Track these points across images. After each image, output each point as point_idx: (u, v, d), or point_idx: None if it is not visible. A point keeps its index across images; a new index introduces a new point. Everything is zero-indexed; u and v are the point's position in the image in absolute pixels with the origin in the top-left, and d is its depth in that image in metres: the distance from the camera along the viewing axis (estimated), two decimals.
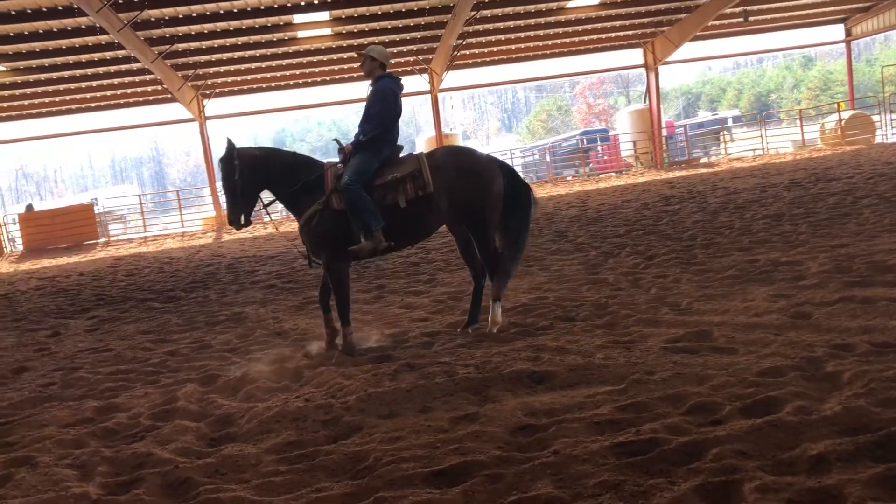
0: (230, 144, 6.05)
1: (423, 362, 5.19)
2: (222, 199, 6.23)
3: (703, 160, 30.72)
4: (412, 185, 5.90)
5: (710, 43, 31.43)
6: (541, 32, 26.76)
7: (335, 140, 6.36)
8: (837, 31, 31.84)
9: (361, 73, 6.43)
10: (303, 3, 20.53)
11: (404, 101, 6.34)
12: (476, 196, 5.99)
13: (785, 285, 6.34)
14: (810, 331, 4.95)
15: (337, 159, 6.17)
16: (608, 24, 27.06)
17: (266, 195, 6.28)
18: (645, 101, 31.86)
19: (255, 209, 6.27)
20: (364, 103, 6.32)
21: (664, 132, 31.80)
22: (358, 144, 6.04)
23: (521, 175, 6.56)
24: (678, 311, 6.00)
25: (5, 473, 3.89)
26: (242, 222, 6.10)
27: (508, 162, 31.19)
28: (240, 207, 6.05)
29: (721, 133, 34.85)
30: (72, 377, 6.12)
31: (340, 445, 3.89)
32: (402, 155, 6.20)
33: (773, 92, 75.90)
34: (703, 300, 6.24)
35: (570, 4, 23.80)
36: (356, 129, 6.19)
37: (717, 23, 27.50)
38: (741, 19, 26.93)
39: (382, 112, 6.04)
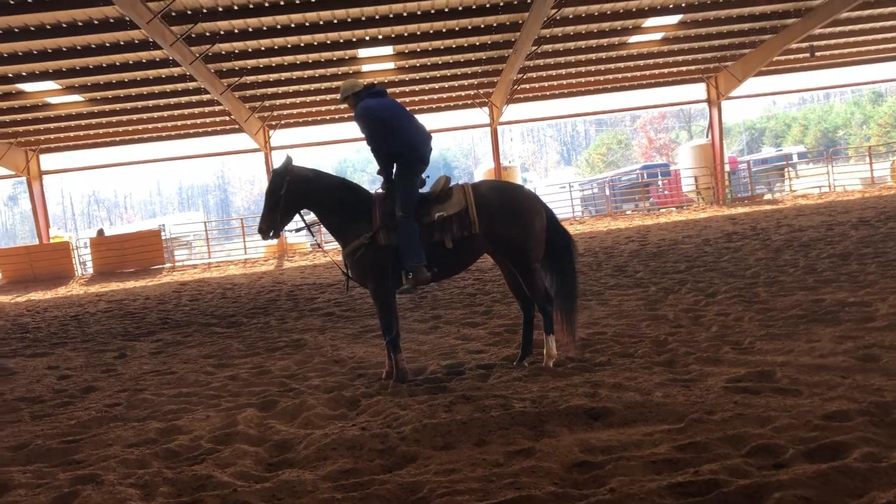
0: (288, 160, 6.16)
1: (478, 395, 5.18)
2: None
3: (767, 196, 30.14)
4: (458, 225, 5.94)
5: (774, 78, 31.02)
6: (602, 67, 26.80)
7: (378, 173, 6.36)
8: None
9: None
10: (367, 39, 21.00)
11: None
12: (519, 233, 5.99)
13: (852, 326, 6.16)
14: (879, 374, 4.79)
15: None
16: (670, 59, 26.98)
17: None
18: (707, 136, 31.49)
19: (286, 227, 6.31)
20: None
21: (727, 167, 31.34)
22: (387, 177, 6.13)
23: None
24: (740, 350, 5.88)
25: (72, 490, 4.01)
26: (271, 235, 6.17)
27: (567, 195, 31.22)
28: (274, 220, 6.10)
29: (786, 169, 34.17)
30: (136, 398, 6.29)
31: (395, 475, 3.90)
32: (449, 186, 6.17)
33: (841, 128, 74.19)
34: (766, 339, 6.11)
35: (632, 39, 23.81)
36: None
37: (782, 58, 27.16)
38: (807, 54, 26.53)
39: (374, 144, 6.09)
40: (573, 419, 4.49)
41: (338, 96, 6.59)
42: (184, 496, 3.86)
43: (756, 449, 3.68)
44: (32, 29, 17.86)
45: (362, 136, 6.27)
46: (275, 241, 26.35)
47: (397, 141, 6.05)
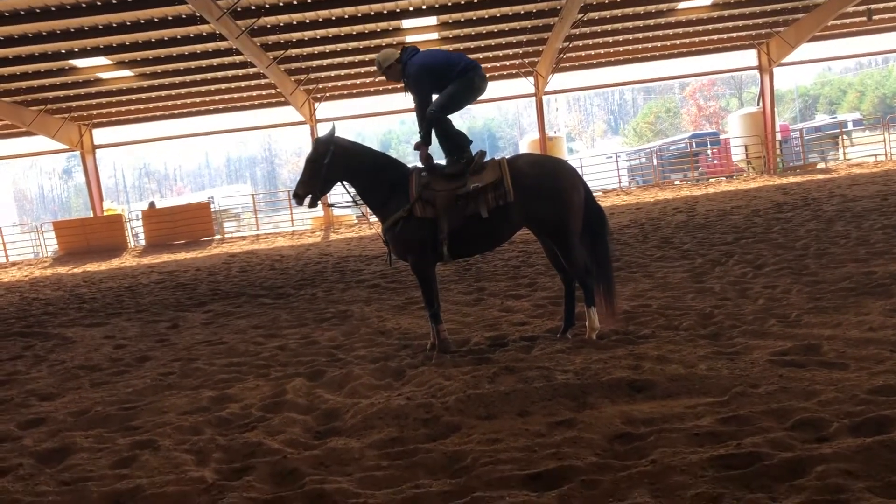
0: (333, 129, 6.21)
1: (521, 366, 5.23)
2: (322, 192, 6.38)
3: (820, 165, 29.41)
4: (493, 194, 5.94)
5: (829, 43, 30.09)
6: (650, 34, 26.29)
7: (416, 147, 6.42)
8: None
9: None
10: (411, 9, 20.91)
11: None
12: (557, 208, 5.95)
13: None
14: None
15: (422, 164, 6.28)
16: (720, 25, 26.34)
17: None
18: (758, 104, 30.78)
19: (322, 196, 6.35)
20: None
21: (778, 136, 30.62)
22: (432, 120, 6.20)
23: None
24: (786, 324, 5.82)
25: (131, 455, 4.19)
26: (307, 203, 6.20)
27: (614, 165, 30.87)
28: (313, 188, 6.13)
29: (840, 137, 33.25)
30: (189, 367, 6.49)
31: (440, 444, 3.98)
32: (484, 161, 6.19)
33: None
34: (814, 312, 6.03)
35: (680, 6, 23.29)
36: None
37: (837, 22, 26.31)
38: (864, 18, 25.65)
39: (420, 105, 6.19)
40: (616, 391, 4.52)
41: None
42: (236, 462, 4.00)
43: (799, 422, 3.67)
44: (84, 5, 18.19)
45: (410, 107, 6.36)
46: (319, 212, 26.71)
47: (464, 64, 6.23)
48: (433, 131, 6.24)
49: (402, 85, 6.53)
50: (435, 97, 6.22)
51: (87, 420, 5.07)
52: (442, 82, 6.21)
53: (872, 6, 24.97)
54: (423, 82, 6.21)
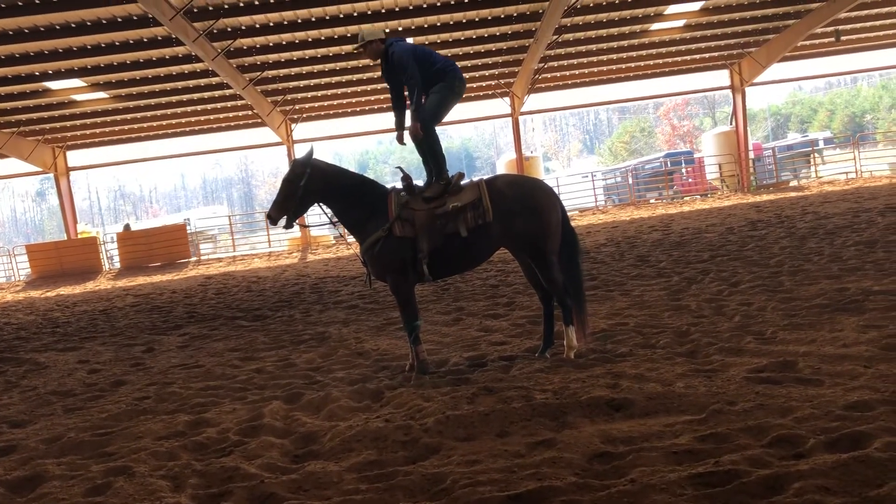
0: (310, 151, 6.21)
1: (500, 386, 5.22)
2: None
3: (793, 183, 29.81)
4: (472, 213, 5.98)
5: (799, 63, 30.56)
6: (624, 55, 26.62)
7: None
8: None
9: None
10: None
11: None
12: (535, 228, 6.01)
13: (877, 315, 6.12)
14: None
15: (400, 185, 6.30)
16: (693, 46, 26.72)
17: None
18: (731, 123, 31.20)
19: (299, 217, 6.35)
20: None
21: (751, 154, 31.01)
22: (418, 110, 6.25)
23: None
24: (762, 340, 5.87)
25: (105, 482, 4.12)
26: (283, 224, 6.17)
27: (590, 184, 31.07)
28: (288, 210, 6.10)
29: (811, 155, 33.74)
30: (165, 392, 6.41)
31: (419, 466, 3.96)
32: (462, 182, 6.23)
33: (869, 112, 72.97)
34: (789, 329, 6.09)
35: (654, 27, 23.61)
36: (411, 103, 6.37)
37: (807, 43, 26.79)
38: (833, 39, 26.14)
39: (412, 75, 6.22)
40: (594, 410, 4.52)
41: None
42: (212, 488, 3.95)
43: (777, 439, 3.70)
44: (58, 27, 18.09)
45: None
46: (296, 233, 26.61)
47: (442, 63, 6.34)
48: (421, 146, 6.28)
49: (376, 63, 6.58)
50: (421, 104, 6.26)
51: (59, 447, 4.99)
52: (421, 71, 6.26)
53: (840, 27, 25.47)
54: (408, 61, 6.25)
